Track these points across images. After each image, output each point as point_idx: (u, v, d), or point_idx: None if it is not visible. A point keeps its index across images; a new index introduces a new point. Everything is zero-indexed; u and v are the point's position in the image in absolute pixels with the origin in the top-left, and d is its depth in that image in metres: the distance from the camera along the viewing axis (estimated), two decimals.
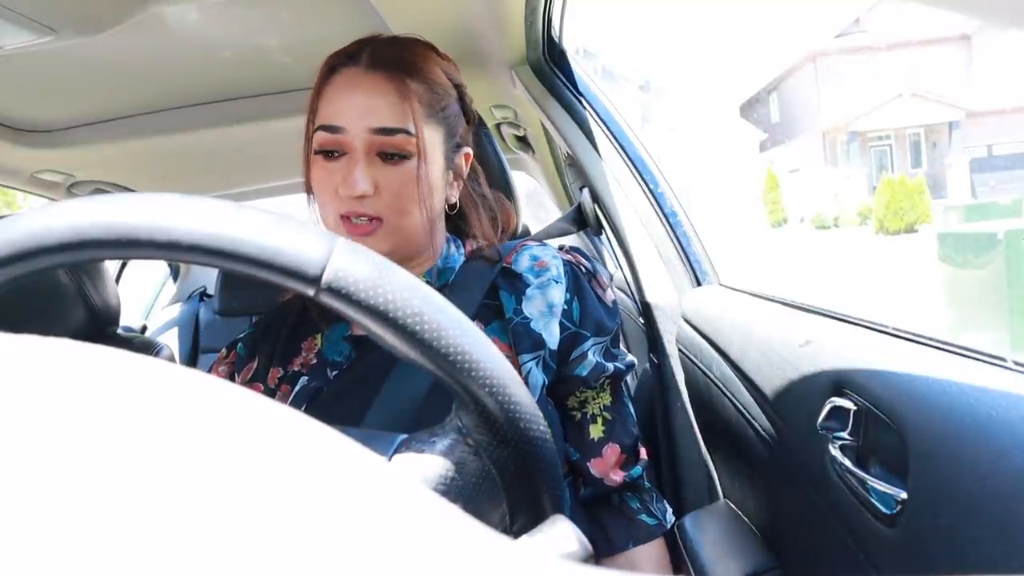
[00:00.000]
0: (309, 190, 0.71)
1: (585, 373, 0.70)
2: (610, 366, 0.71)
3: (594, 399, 0.72)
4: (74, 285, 1.12)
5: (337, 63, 0.67)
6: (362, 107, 0.64)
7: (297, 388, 0.68)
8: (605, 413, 0.72)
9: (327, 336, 0.72)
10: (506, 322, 0.69)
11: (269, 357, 0.73)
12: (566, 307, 0.70)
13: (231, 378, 0.74)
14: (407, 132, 0.64)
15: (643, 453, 0.75)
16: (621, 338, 0.75)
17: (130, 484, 0.13)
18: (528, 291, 0.70)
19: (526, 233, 1.19)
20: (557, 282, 0.71)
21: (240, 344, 0.76)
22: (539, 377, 0.68)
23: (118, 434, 0.14)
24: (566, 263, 0.73)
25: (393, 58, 0.66)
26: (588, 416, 0.72)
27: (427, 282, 0.72)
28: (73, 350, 0.17)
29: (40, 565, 0.11)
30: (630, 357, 0.75)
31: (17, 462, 0.13)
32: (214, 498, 0.13)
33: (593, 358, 0.70)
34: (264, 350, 0.74)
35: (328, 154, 0.65)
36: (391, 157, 0.65)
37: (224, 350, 0.78)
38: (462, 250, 0.75)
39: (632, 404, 0.77)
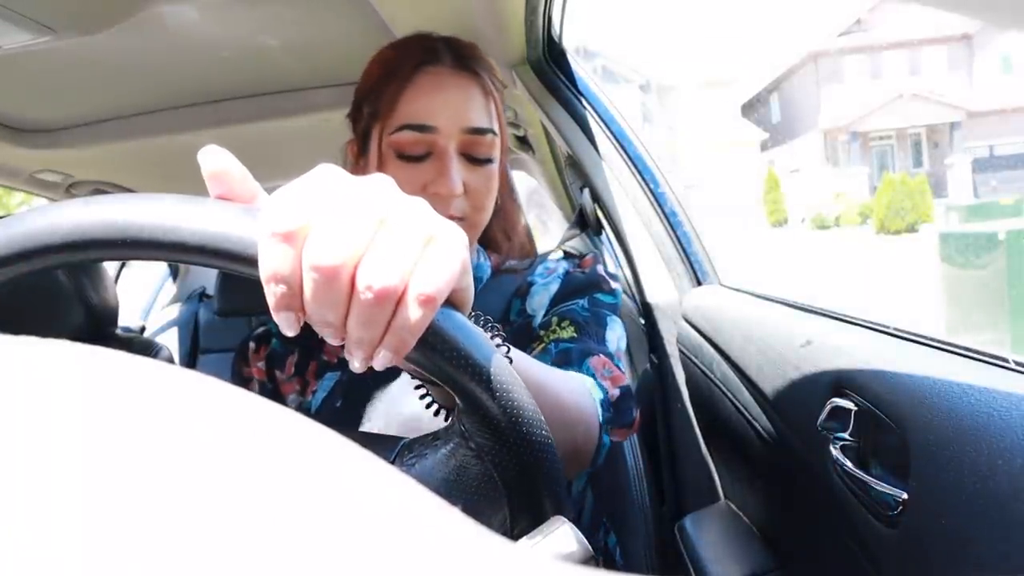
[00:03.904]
0: None
1: (537, 327, 0.68)
2: (569, 313, 0.67)
3: (548, 337, 0.65)
4: (73, 286, 1.11)
5: (420, 61, 0.65)
6: (454, 107, 0.64)
7: (330, 382, 0.67)
8: (562, 344, 0.64)
9: None
10: (510, 324, 0.70)
11: (310, 348, 0.72)
12: (554, 296, 0.72)
13: (271, 374, 0.72)
14: (494, 132, 0.66)
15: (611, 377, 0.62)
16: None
17: (128, 487, 0.13)
18: (533, 289, 0.73)
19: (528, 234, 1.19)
20: (558, 278, 0.73)
21: (275, 340, 0.74)
22: None
23: (116, 436, 0.14)
24: (568, 270, 0.75)
25: (474, 62, 0.67)
26: (542, 347, 0.65)
27: None
28: (72, 351, 0.17)
29: (40, 567, 0.11)
30: (612, 315, 0.70)
31: (15, 464, 0.13)
32: (213, 500, 0.13)
33: (551, 318, 0.68)
34: (305, 341, 0.72)
35: (414, 157, 0.64)
36: (477, 160, 0.65)
37: (252, 343, 0.74)
38: (489, 262, 0.76)
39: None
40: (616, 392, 0.61)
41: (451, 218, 0.64)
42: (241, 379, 0.73)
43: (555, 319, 0.67)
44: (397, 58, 0.66)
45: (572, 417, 0.51)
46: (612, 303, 0.71)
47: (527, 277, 0.75)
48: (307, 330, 0.80)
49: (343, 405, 0.65)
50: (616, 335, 0.68)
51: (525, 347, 0.68)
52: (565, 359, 0.61)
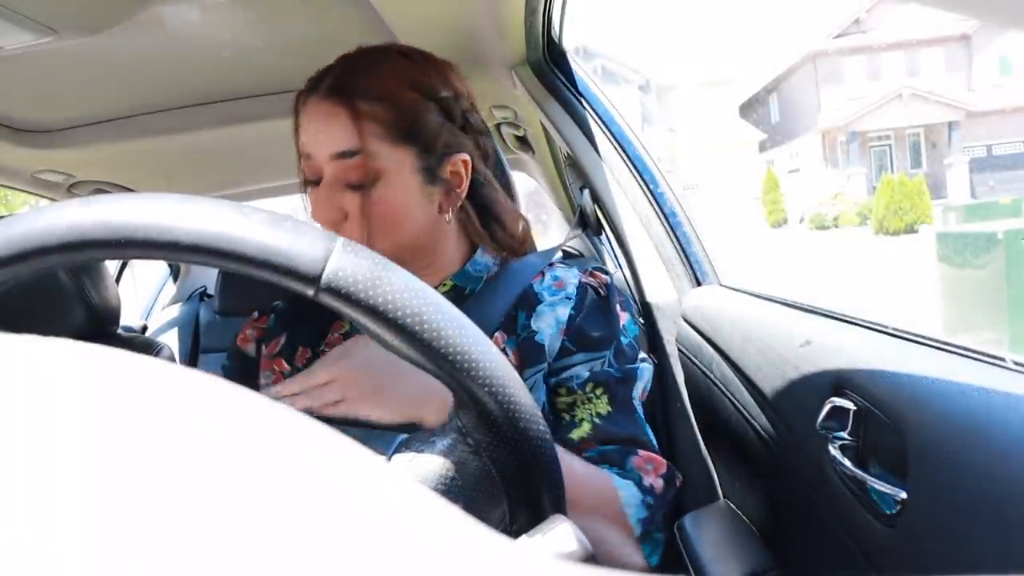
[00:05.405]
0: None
1: (572, 384, 0.68)
2: (602, 376, 0.68)
3: (584, 404, 0.67)
4: (74, 285, 1.12)
5: (305, 91, 0.68)
6: (321, 133, 0.65)
7: None
8: (596, 419, 0.67)
9: None
10: (516, 336, 0.70)
11: (298, 336, 0.74)
12: (568, 323, 0.70)
13: (258, 344, 0.76)
14: (362, 153, 0.64)
15: (654, 466, 0.67)
16: (632, 350, 0.72)
17: (129, 484, 0.13)
18: (540, 307, 0.71)
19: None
20: (568, 299, 0.72)
21: (273, 316, 0.78)
22: (542, 390, 0.68)
23: (118, 434, 0.14)
24: (581, 285, 0.73)
25: (348, 83, 0.65)
26: (575, 420, 0.67)
27: (453, 286, 0.73)
28: (73, 350, 0.17)
29: (40, 566, 0.11)
30: (640, 366, 0.71)
31: (17, 463, 0.13)
32: (212, 498, 0.13)
33: (582, 371, 0.68)
34: (293, 328, 0.75)
35: (310, 182, 0.68)
36: (357, 187, 0.65)
37: (256, 312, 0.79)
38: (490, 261, 0.76)
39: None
40: (660, 483, 0.65)
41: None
42: (236, 345, 0.79)
43: (589, 385, 0.67)
44: (300, 92, 0.70)
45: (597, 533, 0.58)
46: (634, 339, 0.73)
47: (533, 287, 0.73)
48: (297, 320, 0.81)
49: None
50: (643, 384, 0.70)
51: (530, 364, 0.68)
52: (607, 460, 0.65)
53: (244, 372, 0.76)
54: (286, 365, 0.72)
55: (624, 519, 0.61)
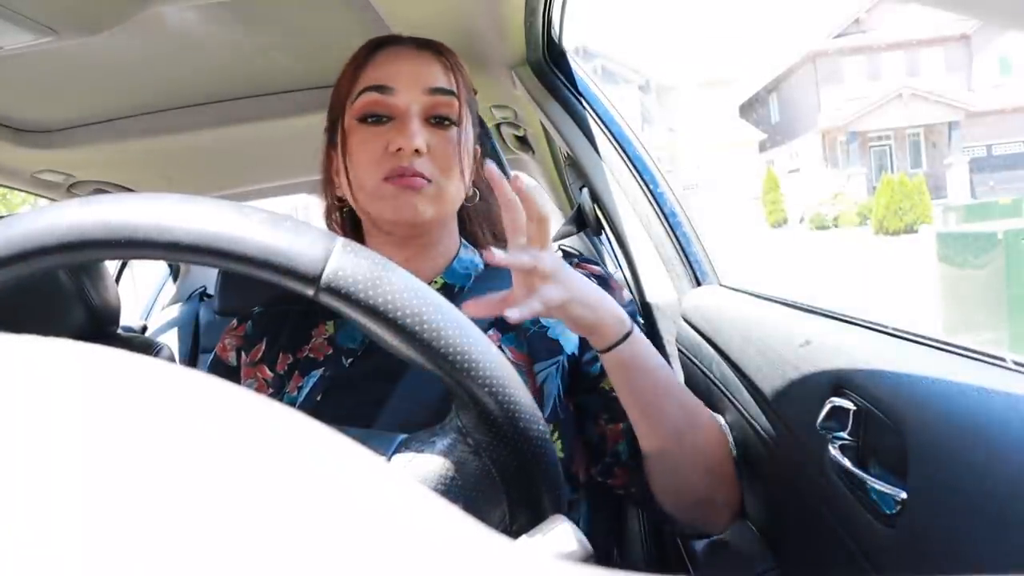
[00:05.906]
0: (329, 177, 0.73)
1: (598, 371, 0.69)
2: None
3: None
4: (74, 285, 1.12)
5: (379, 44, 0.70)
6: (415, 72, 0.67)
7: (314, 379, 0.68)
8: None
9: (340, 323, 0.72)
10: (521, 332, 0.70)
11: (278, 341, 0.73)
12: None
13: (238, 353, 0.74)
14: (456, 95, 0.68)
15: None
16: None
17: (129, 484, 0.13)
18: None
19: None
20: None
21: (251, 323, 0.76)
22: (556, 384, 0.68)
23: (118, 434, 0.14)
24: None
25: (434, 45, 0.71)
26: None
27: (444, 284, 0.72)
28: (73, 350, 0.17)
29: (40, 566, 0.11)
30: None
31: (17, 462, 0.13)
32: (212, 498, 0.13)
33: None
34: (273, 333, 0.73)
35: (374, 119, 0.67)
36: (440, 121, 0.67)
37: (235, 321, 0.77)
38: (475, 258, 0.76)
39: None
40: None
41: (417, 177, 0.65)
42: (217, 356, 0.76)
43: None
44: (371, 40, 0.71)
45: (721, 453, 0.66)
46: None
47: None
48: (277, 325, 0.80)
49: (323, 400, 0.66)
50: None
51: (543, 358, 0.69)
52: None
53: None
54: (268, 372, 0.71)
55: (728, 443, 0.68)
